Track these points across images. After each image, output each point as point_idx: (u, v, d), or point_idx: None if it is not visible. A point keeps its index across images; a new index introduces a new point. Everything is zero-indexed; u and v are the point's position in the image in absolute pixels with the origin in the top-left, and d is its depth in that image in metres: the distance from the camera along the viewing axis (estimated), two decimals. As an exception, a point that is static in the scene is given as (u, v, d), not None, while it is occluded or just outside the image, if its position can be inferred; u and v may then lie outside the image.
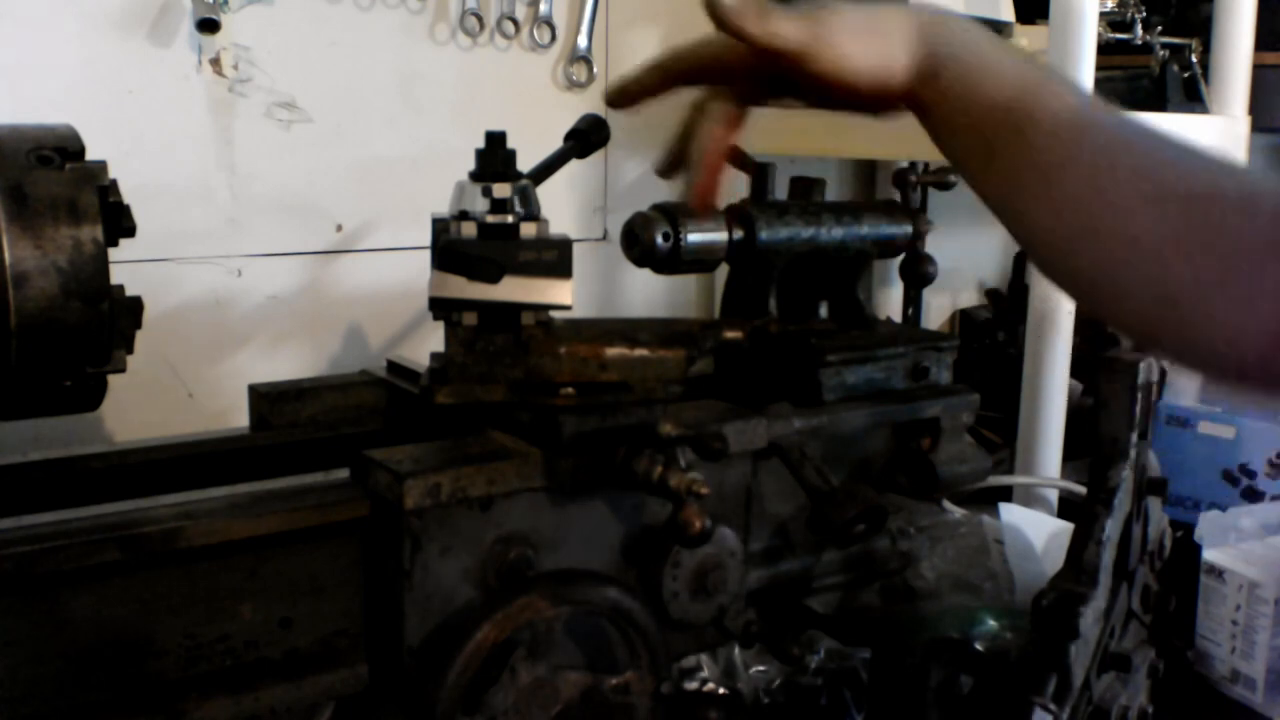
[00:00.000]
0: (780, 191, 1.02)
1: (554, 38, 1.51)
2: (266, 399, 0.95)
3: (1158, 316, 0.66)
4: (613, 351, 0.79)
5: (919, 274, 1.03)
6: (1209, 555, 1.22)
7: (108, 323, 0.66)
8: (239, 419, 0.98)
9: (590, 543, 0.82)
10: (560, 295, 0.78)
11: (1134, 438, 0.94)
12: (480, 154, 0.80)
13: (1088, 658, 0.91)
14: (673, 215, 0.88)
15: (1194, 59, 1.58)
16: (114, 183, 0.68)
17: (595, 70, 1.54)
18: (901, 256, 1.03)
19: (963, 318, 2.00)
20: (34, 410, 0.70)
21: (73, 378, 0.68)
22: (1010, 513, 1.24)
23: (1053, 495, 1.44)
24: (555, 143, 1.09)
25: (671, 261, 0.89)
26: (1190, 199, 0.65)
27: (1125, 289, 0.67)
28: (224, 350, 1.34)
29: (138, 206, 0.69)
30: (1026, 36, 1.48)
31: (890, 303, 1.83)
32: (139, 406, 1.19)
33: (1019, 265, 1.93)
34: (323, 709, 0.79)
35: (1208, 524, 1.26)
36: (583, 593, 0.79)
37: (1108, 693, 0.94)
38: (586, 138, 1.09)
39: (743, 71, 0.77)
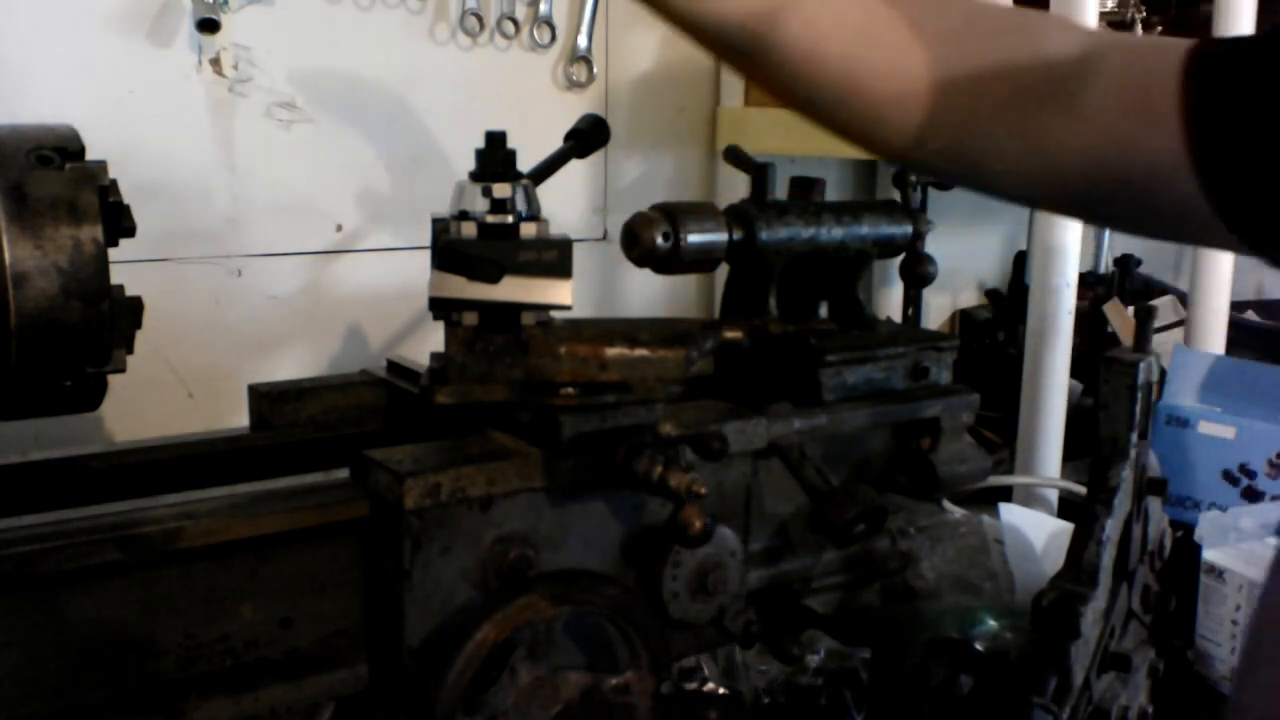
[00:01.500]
0: (780, 191, 1.02)
1: (554, 38, 1.51)
2: (266, 399, 0.95)
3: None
4: (613, 351, 0.79)
5: (919, 274, 1.03)
6: (1209, 555, 1.22)
7: (108, 323, 0.66)
8: (239, 419, 0.98)
9: (590, 543, 0.82)
10: (560, 295, 0.78)
11: (1134, 438, 0.94)
12: (480, 154, 0.80)
13: (1088, 658, 0.91)
14: (673, 215, 0.88)
15: (1194, 58, 1.58)
16: (114, 183, 0.68)
17: (595, 70, 1.54)
18: (901, 256, 1.03)
19: (963, 318, 2.00)
20: (34, 410, 0.70)
21: (73, 378, 0.68)
22: (1010, 513, 1.24)
23: (1053, 495, 1.44)
24: (555, 143, 1.09)
25: (671, 261, 0.89)
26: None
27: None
28: (224, 350, 1.34)
29: (138, 206, 0.70)
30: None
31: (890, 303, 1.83)
32: (139, 406, 1.19)
33: (1019, 265, 1.93)
34: (323, 709, 0.79)
35: (1208, 524, 1.25)
36: (583, 593, 0.79)
37: (1108, 693, 0.94)
38: (586, 138, 1.09)
39: None
